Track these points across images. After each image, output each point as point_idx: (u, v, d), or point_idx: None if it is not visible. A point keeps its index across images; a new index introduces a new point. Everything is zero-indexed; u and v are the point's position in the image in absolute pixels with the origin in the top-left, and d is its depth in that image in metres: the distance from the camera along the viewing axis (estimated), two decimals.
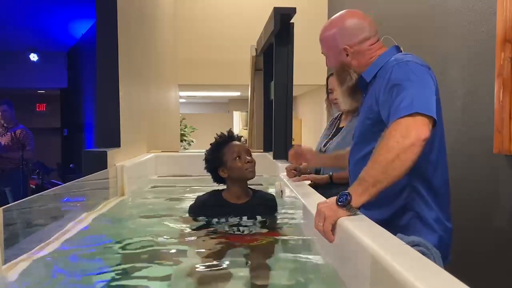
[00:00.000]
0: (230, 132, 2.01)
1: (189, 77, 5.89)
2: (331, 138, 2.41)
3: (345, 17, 1.57)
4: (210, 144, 2.00)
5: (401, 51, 1.54)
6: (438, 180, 1.45)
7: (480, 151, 2.18)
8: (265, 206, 1.97)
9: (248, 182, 1.99)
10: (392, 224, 1.42)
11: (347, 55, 1.55)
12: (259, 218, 1.91)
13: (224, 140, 1.96)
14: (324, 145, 2.40)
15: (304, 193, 1.93)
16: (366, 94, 1.56)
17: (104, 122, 2.79)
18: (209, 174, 2.01)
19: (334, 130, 2.45)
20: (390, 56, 1.48)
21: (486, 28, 2.16)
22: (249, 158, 1.90)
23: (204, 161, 1.99)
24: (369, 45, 1.54)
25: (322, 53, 1.66)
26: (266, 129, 4.04)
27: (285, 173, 2.48)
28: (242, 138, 2.04)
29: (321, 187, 2.25)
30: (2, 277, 1.25)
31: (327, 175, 2.29)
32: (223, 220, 1.89)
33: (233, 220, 1.88)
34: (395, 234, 1.25)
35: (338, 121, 2.48)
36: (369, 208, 1.44)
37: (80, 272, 1.46)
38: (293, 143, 3.46)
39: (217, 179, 1.98)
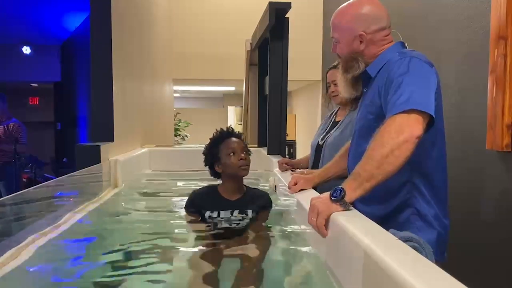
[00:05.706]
0: (230, 128, 2.01)
1: (184, 72, 5.87)
2: (328, 132, 2.39)
3: (364, 3, 1.52)
4: (209, 139, 2.01)
5: (406, 47, 1.53)
6: (438, 177, 1.45)
7: (473, 147, 2.19)
8: (258, 202, 1.97)
9: (245, 177, 1.99)
10: (391, 220, 1.43)
11: (361, 42, 1.51)
12: (251, 214, 1.91)
13: (222, 136, 1.97)
14: (322, 139, 2.38)
15: None
16: (368, 88, 1.55)
17: (98, 116, 2.77)
18: (203, 168, 2.03)
19: (330, 124, 2.43)
20: (395, 52, 1.48)
21: (480, 25, 2.17)
22: (243, 155, 1.90)
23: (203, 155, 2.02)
24: (383, 36, 1.52)
25: (331, 37, 1.60)
26: (261, 124, 4.03)
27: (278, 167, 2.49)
28: (242, 136, 2.03)
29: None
30: None
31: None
32: (216, 214, 1.90)
33: (226, 215, 1.89)
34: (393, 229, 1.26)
35: (335, 116, 2.47)
36: (369, 204, 1.45)
37: (73, 266, 1.46)
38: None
39: (214, 173, 2.00)
